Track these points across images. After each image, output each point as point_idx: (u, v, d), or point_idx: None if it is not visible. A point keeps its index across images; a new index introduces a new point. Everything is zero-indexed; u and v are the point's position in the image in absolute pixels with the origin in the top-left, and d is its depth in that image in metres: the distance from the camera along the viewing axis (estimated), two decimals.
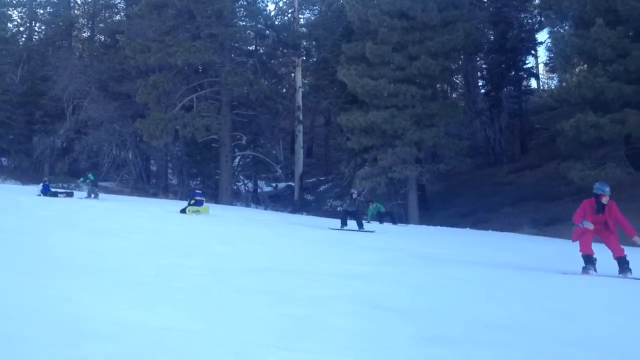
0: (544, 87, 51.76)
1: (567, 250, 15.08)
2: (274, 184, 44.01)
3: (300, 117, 39.91)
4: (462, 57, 37.04)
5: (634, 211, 25.16)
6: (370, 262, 8.97)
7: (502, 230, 23.95)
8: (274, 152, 41.63)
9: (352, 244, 12.58)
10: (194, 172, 39.67)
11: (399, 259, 10.01)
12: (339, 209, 20.71)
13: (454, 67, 35.16)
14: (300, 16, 46.16)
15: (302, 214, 32.15)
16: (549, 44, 37.79)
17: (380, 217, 24.72)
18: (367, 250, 11.39)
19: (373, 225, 21.68)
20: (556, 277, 8.88)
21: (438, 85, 37.62)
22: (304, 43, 43.21)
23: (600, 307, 6.51)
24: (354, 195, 20.00)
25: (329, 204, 37.79)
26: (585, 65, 27.10)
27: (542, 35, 41.05)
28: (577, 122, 23.49)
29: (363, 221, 19.24)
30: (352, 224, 18.24)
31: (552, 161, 31.94)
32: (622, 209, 25.48)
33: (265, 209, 36.00)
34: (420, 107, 29.15)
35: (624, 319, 5.87)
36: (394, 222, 24.47)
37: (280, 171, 39.62)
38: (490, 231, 23.30)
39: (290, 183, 41.48)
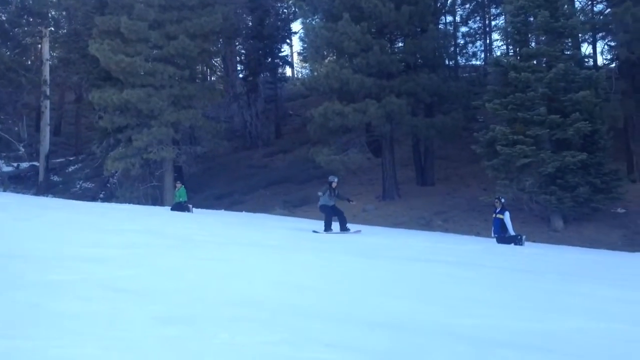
0: (297, 76, 54.25)
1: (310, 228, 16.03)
2: (15, 164, 40.05)
3: (47, 92, 36.74)
4: (221, 40, 37.24)
5: (371, 192, 27.73)
6: (115, 245, 8.62)
7: (255, 211, 24.70)
8: (16, 129, 37.80)
9: (99, 227, 11.98)
10: None
11: (147, 241, 9.77)
12: (319, 204, 16.11)
13: (212, 49, 35.17)
14: None
15: (47, 196, 29.82)
16: (302, 34, 39.64)
17: (181, 207, 20.76)
18: (114, 233, 10.93)
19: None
20: (298, 254, 9.40)
21: (197, 67, 37.38)
22: (53, 12, 39.82)
23: (335, 280, 7.03)
24: (334, 184, 16.03)
25: (79, 185, 35.59)
26: (334, 57, 28.95)
27: (297, 26, 42.94)
28: (325, 110, 25.05)
29: None
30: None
31: (303, 146, 33.71)
32: (363, 191, 27.72)
33: (5, 190, 32.69)
34: (178, 88, 28.73)
35: (356, 289, 6.40)
36: None
37: (23, 150, 36.20)
38: (244, 212, 23.91)
39: (34, 163, 38.06)
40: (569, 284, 8.29)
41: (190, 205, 21.28)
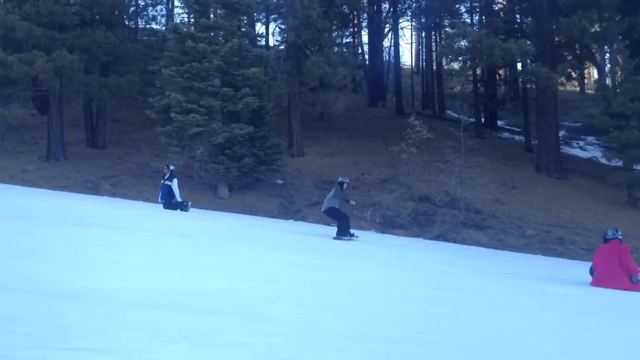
0: None
1: None
2: None
3: None
4: None
5: (34, 152, 25.63)
6: None
7: None
8: None
9: None
10: None
11: None
12: (328, 206, 14.23)
13: None
14: None
15: None
16: None
17: None
18: None
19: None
20: None
21: None
22: None
23: None
24: (345, 185, 14.64)
25: None
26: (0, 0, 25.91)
27: None
28: None
29: None
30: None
31: None
32: (24, 150, 25.36)
33: None
34: None
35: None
36: None
37: None
38: None
39: None
40: (221, 247, 8.78)
41: None
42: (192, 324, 3.87)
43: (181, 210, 16.37)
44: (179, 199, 16.77)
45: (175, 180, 16.79)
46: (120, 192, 21.78)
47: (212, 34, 23.23)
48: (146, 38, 33.88)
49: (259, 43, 28.17)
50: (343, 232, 13.82)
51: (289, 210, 21.51)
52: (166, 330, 3.65)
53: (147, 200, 20.48)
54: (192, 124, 21.27)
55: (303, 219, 20.59)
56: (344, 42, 35.09)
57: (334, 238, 13.64)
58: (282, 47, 29.40)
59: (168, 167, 17.22)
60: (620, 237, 10.26)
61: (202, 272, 6.24)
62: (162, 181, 17.07)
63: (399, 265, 10.08)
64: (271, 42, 33.87)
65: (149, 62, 26.07)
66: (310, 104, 28.12)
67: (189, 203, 17.10)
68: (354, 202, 16.17)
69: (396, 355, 3.70)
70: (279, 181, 23.70)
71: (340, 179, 14.82)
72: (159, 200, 17.08)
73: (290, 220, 19.96)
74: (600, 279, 9.82)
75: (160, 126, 22.18)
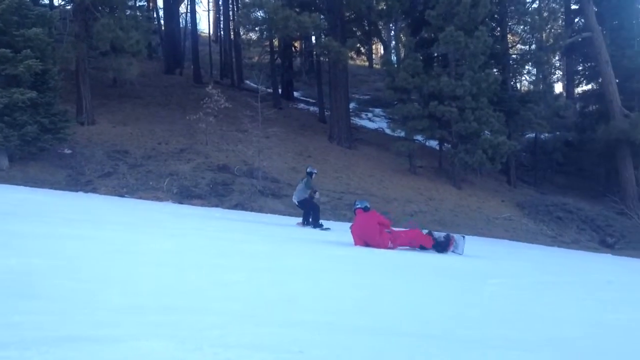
0: None
1: None
2: None
3: None
4: None
5: None
6: None
7: None
8: None
9: None
10: None
11: None
12: (300, 198, 15.04)
13: None
14: None
15: None
16: None
17: None
18: None
19: None
20: None
21: None
22: None
23: None
24: (314, 175, 15.67)
25: None
26: None
27: None
28: None
29: None
30: None
31: None
32: None
33: None
34: None
35: None
36: None
37: None
38: None
39: None
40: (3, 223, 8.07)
41: None
42: None
43: None
44: None
45: None
46: None
47: None
48: None
49: (42, 2, 25.89)
50: (316, 222, 14.60)
51: (78, 181, 20.29)
52: None
53: None
54: None
55: (94, 190, 19.57)
56: (137, 5, 33.55)
57: (314, 227, 14.50)
58: (69, 7, 27.32)
59: None
60: (359, 206, 11.42)
61: None
62: None
63: (194, 235, 10.04)
64: (56, 2, 31.29)
65: None
66: (101, 69, 26.57)
67: None
68: (319, 196, 16.71)
69: (179, 324, 3.69)
70: (67, 151, 22.20)
71: (309, 169, 15.80)
72: None
73: (80, 192, 18.89)
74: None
75: None
